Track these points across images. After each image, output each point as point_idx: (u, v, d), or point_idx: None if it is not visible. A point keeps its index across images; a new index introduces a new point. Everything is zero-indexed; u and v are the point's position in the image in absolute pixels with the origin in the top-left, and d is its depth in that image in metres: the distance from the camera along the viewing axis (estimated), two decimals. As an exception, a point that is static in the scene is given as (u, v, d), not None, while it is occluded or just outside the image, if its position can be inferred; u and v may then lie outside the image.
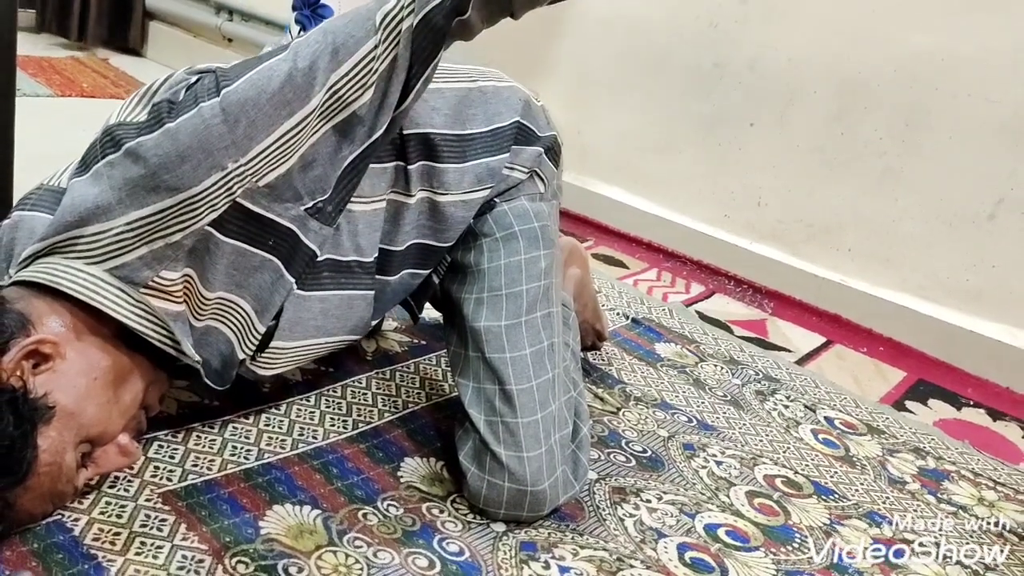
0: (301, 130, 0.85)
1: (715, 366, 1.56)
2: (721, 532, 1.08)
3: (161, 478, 0.97)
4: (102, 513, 0.89)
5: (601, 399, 1.35)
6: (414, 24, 0.84)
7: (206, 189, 0.81)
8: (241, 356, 0.97)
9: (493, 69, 1.15)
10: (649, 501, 1.11)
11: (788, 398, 1.49)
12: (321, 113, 0.86)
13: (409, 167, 1.03)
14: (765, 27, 1.91)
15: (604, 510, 1.08)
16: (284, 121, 0.83)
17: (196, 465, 1.00)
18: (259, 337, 0.96)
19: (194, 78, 0.86)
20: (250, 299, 0.93)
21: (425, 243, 1.07)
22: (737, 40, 1.96)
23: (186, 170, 0.80)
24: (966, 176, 1.69)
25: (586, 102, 2.26)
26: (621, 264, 2.04)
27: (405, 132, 1.02)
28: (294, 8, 2.10)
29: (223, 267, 0.89)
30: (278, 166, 0.85)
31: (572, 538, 1.01)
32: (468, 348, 1.05)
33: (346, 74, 0.85)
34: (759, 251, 1.98)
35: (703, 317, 1.80)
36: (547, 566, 0.95)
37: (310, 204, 0.90)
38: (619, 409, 1.33)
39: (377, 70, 0.86)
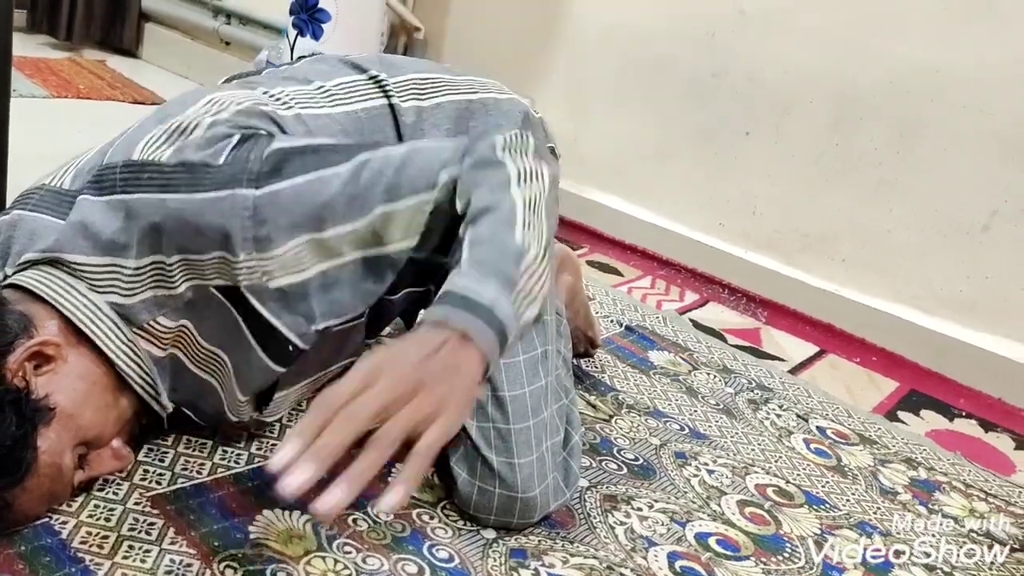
0: (327, 245, 0.81)
1: (708, 374, 1.56)
2: (712, 541, 1.08)
3: (150, 481, 0.96)
4: (90, 516, 0.89)
5: (593, 406, 1.35)
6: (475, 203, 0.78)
7: (212, 259, 0.81)
8: (233, 419, 0.97)
9: (493, 80, 1.15)
10: (640, 509, 1.11)
11: (781, 407, 1.49)
12: (356, 240, 0.81)
13: None
14: (763, 38, 1.92)
15: (595, 518, 1.07)
16: (313, 233, 0.79)
17: (186, 469, 1.00)
18: (240, 403, 0.95)
19: (237, 136, 0.81)
20: (234, 363, 0.91)
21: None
22: (735, 50, 1.96)
23: (200, 241, 0.80)
24: (961, 187, 1.69)
25: (583, 110, 2.26)
26: (616, 271, 2.04)
27: None
28: (291, 12, 2.11)
29: (218, 325, 0.88)
30: (293, 274, 0.82)
31: (562, 545, 1.01)
32: None
33: (393, 213, 0.80)
34: (754, 260, 1.98)
35: (697, 325, 1.80)
36: (537, 573, 0.95)
37: (322, 327, 0.86)
38: (611, 417, 1.33)
39: (425, 221, 0.81)
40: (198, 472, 1.00)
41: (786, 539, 1.12)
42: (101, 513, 0.90)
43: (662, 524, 1.09)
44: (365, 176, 0.79)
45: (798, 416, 1.47)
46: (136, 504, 0.92)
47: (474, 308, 0.71)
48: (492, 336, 0.71)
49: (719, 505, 1.16)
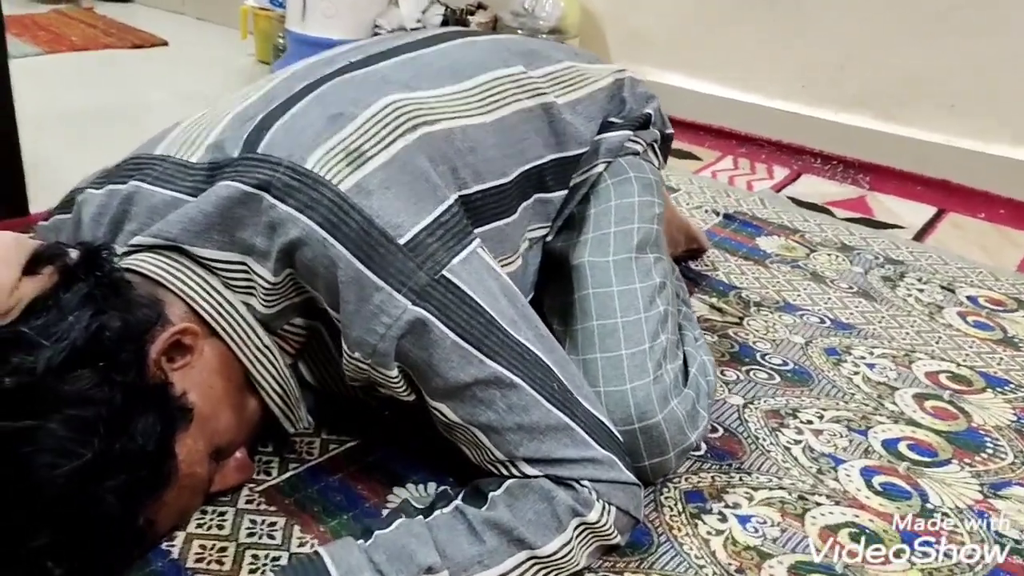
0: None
1: (828, 255, 1.39)
2: (903, 447, 0.93)
3: (257, 472, 0.82)
4: (199, 526, 0.75)
5: (719, 309, 1.19)
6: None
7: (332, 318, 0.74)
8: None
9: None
10: (811, 422, 0.96)
11: (920, 280, 1.32)
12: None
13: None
14: None
15: (764, 440, 0.93)
16: (418, 390, 0.73)
17: (293, 452, 0.86)
18: None
19: (425, 222, 0.70)
20: None
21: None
22: None
23: (332, 300, 0.70)
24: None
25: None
26: (692, 156, 1.85)
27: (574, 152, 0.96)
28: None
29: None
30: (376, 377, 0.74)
31: (740, 479, 0.86)
32: (572, 295, 0.89)
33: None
34: (846, 121, 1.79)
35: (797, 202, 1.62)
36: (723, 518, 0.81)
37: None
38: (742, 318, 1.17)
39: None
40: (308, 453, 0.86)
41: (983, 432, 0.97)
42: (211, 520, 0.76)
43: (841, 436, 0.94)
44: (491, 393, 0.70)
45: (942, 287, 1.30)
46: (248, 503, 0.78)
47: None
48: None
49: (894, 403, 1.01)
